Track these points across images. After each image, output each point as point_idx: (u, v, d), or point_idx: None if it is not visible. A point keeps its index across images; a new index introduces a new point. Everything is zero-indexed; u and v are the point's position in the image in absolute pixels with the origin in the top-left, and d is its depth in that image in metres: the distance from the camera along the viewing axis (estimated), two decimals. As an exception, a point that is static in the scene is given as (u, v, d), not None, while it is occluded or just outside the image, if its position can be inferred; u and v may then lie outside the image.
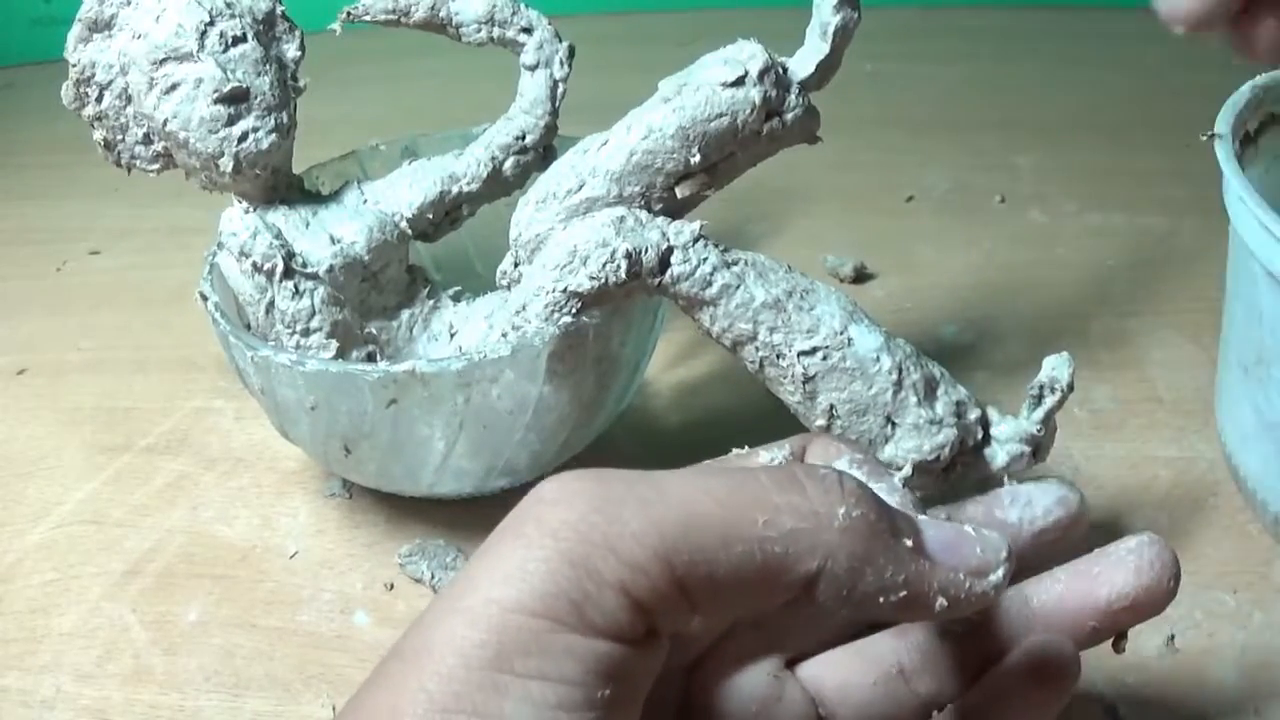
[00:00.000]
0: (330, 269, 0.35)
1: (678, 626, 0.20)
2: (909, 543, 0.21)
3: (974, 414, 0.32)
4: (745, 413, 0.42)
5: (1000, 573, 0.21)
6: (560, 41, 0.39)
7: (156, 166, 0.37)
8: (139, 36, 0.34)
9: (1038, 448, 0.32)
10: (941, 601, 0.21)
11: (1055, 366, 0.32)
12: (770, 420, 0.36)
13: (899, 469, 0.31)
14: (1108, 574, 0.24)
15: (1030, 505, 0.28)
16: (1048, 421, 0.32)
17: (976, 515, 0.28)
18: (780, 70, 0.32)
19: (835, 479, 0.21)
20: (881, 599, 0.20)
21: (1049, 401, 0.31)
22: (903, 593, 0.20)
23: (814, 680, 0.26)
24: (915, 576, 0.20)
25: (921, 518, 0.22)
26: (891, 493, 0.23)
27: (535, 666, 0.18)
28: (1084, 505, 0.28)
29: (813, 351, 0.31)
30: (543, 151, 0.40)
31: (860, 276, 0.51)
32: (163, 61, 0.34)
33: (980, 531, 0.22)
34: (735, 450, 0.26)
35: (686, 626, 0.21)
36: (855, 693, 0.25)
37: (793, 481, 0.20)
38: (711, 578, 0.19)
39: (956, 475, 0.33)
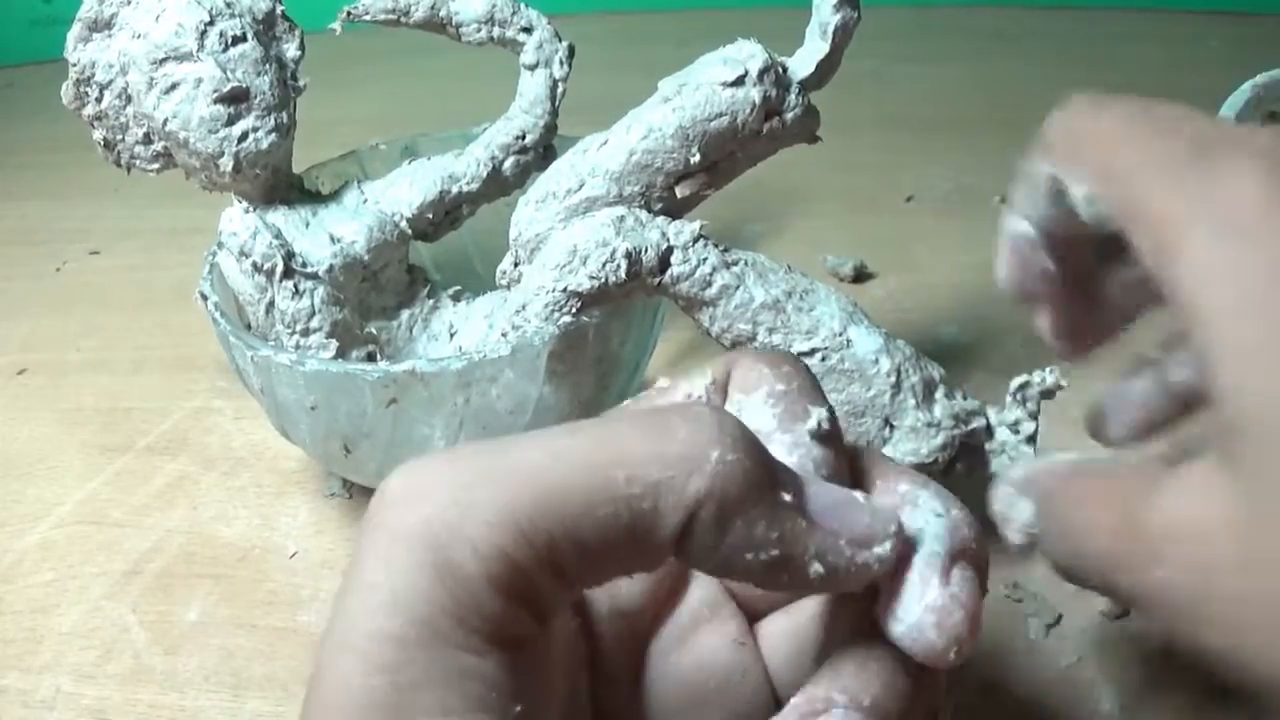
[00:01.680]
0: (330, 269, 0.35)
1: (562, 603, 0.19)
2: (788, 497, 0.19)
3: (976, 421, 0.32)
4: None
5: (887, 546, 0.19)
6: (560, 41, 0.39)
7: (156, 166, 0.37)
8: (139, 36, 0.34)
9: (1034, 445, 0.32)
10: (817, 568, 0.19)
11: (1043, 377, 0.32)
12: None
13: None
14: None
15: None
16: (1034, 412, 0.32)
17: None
18: (780, 70, 0.32)
19: (712, 419, 0.18)
20: (750, 555, 0.18)
21: (1033, 400, 0.32)
22: (774, 551, 0.18)
23: (768, 645, 0.24)
24: (790, 535, 0.18)
25: (810, 477, 0.20)
26: (794, 448, 0.21)
27: (438, 701, 0.17)
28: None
29: (811, 353, 0.31)
30: (542, 151, 0.40)
31: (860, 276, 0.51)
32: (163, 61, 0.34)
33: (872, 501, 0.20)
34: (659, 383, 0.24)
35: (569, 600, 0.19)
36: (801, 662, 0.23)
37: (662, 427, 0.18)
38: (580, 547, 0.18)
39: (955, 476, 0.33)
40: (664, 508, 0.18)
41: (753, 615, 0.24)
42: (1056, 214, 0.23)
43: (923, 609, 0.19)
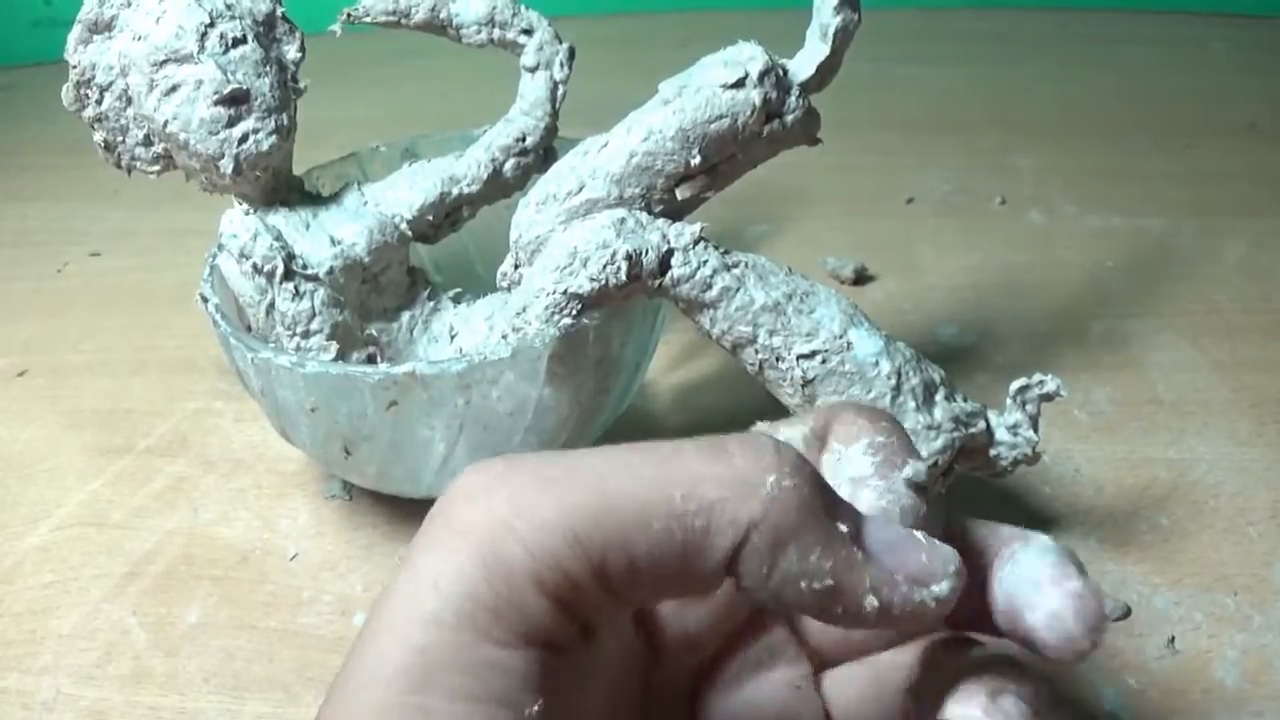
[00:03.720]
0: (330, 271, 0.35)
1: (608, 619, 0.19)
2: (844, 528, 0.19)
3: (976, 424, 0.32)
4: (745, 415, 0.42)
5: (945, 586, 0.19)
6: (560, 43, 0.39)
7: (157, 168, 0.37)
8: (139, 38, 0.34)
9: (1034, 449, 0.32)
10: (872, 601, 0.19)
11: (1042, 381, 0.32)
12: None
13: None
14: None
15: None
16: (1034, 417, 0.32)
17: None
18: (780, 72, 0.32)
19: (771, 446, 0.19)
20: (803, 583, 0.18)
21: (1033, 402, 0.32)
22: (828, 581, 0.18)
23: (832, 695, 0.24)
24: (844, 565, 0.18)
25: (869, 514, 0.20)
26: (886, 493, 0.21)
27: (460, 686, 0.17)
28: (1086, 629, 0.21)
29: (812, 355, 0.31)
30: (543, 153, 0.40)
31: (861, 278, 0.51)
32: (163, 63, 0.34)
33: (931, 540, 0.20)
34: (759, 424, 0.24)
35: (613, 615, 0.19)
36: (861, 710, 0.24)
37: (720, 451, 0.19)
38: (630, 561, 0.18)
39: (954, 478, 0.33)
40: (717, 529, 0.18)
41: (822, 663, 0.24)
42: None
43: (1062, 594, 0.20)
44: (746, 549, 0.18)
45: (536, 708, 0.18)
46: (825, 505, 0.19)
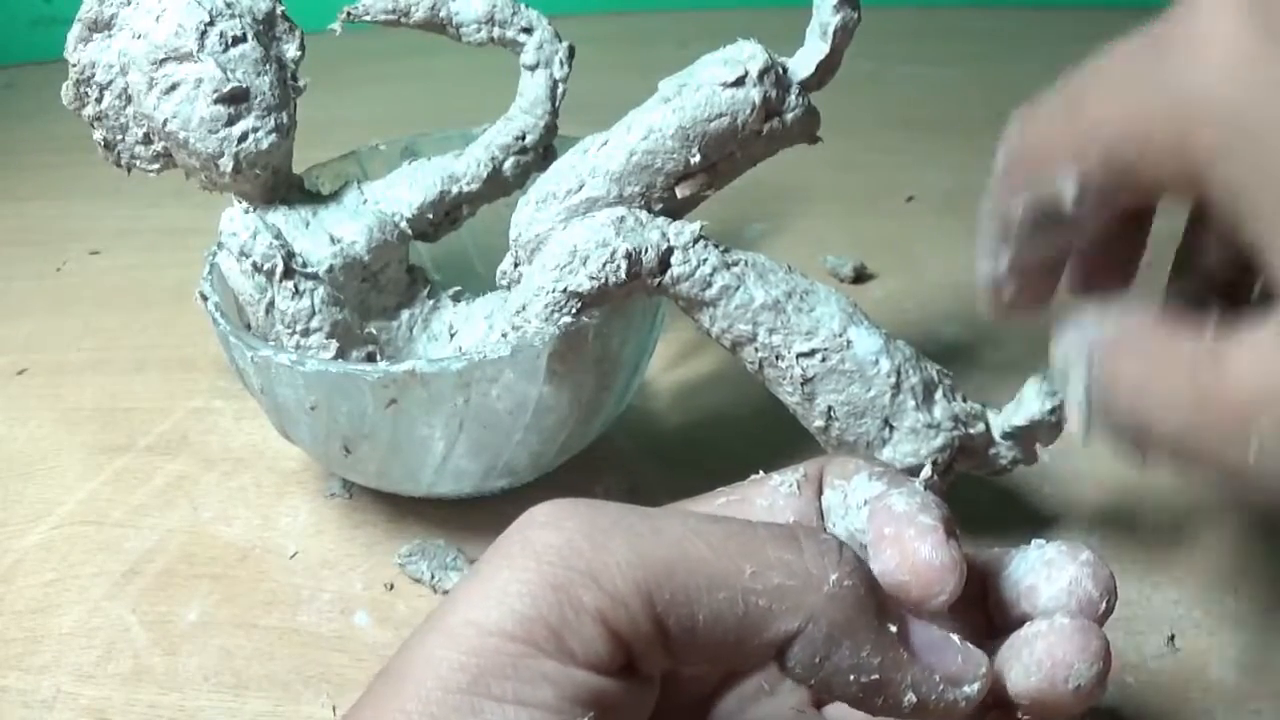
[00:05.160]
0: (330, 269, 0.35)
1: (656, 668, 0.20)
2: (893, 629, 0.20)
3: (976, 423, 0.32)
4: (745, 413, 0.42)
5: (975, 688, 0.21)
6: (560, 41, 0.39)
7: (156, 166, 0.37)
8: (139, 36, 0.34)
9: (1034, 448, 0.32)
10: (911, 698, 0.20)
11: (1040, 391, 0.32)
12: (770, 421, 0.36)
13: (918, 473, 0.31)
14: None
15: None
16: (1037, 429, 0.32)
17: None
18: (780, 70, 0.32)
19: (835, 545, 0.20)
20: (853, 676, 0.20)
21: (1043, 407, 0.31)
22: (875, 676, 0.20)
23: (832, 717, 0.25)
24: (891, 662, 0.20)
25: (913, 619, 0.21)
26: (913, 495, 0.23)
27: (512, 691, 0.18)
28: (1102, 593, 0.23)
29: (811, 353, 0.31)
30: (542, 151, 0.40)
31: (860, 277, 0.51)
32: (163, 61, 0.34)
33: (965, 644, 0.21)
34: (752, 477, 0.25)
35: (663, 669, 0.20)
36: None
37: (790, 539, 0.20)
38: (692, 621, 0.19)
39: (955, 476, 0.33)
40: (779, 613, 0.19)
41: (819, 700, 0.25)
42: (1033, 242, 0.23)
43: (1077, 564, 0.23)
44: (802, 638, 0.19)
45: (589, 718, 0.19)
46: (877, 605, 0.20)
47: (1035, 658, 0.22)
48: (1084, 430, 0.23)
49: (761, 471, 0.26)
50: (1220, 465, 0.20)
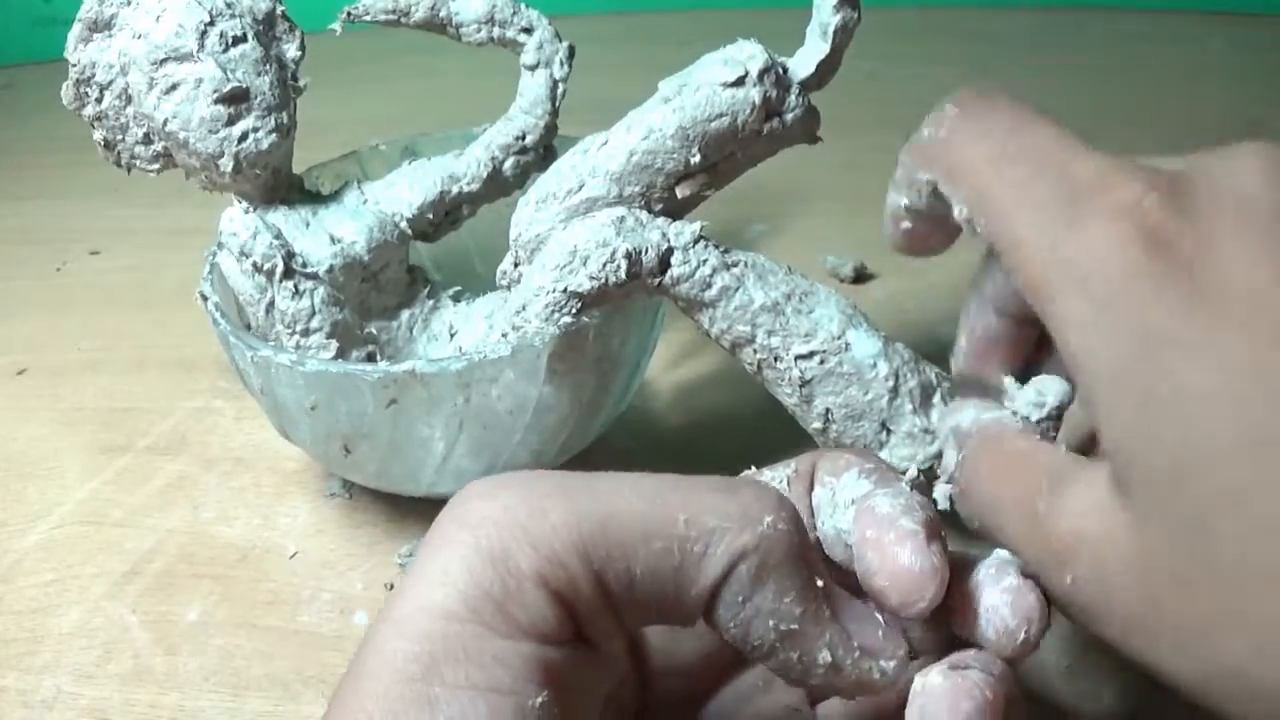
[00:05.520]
0: (330, 269, 0.35)
1: (605, 633, 0.20)
2: (819, 583, 0.20)
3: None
4: (745, 413, 0.42)
5: (892, 665, 0.21)
6: (560, 41, 0.39)
7: (156, 166, 0.37)
8: (139, 36, 0.34)
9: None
10: (825, 656, 0.20)
11: (1044, 387, 0.31)
12: (770, 421, 0.36)
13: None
14: None
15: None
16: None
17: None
18: (780, 70, 0.32)
19: (774, 492, 0.20)
20: (773, 622, 0.20)
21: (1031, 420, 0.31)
22: (793, 625, 0.20)
23: (824, 713, 0.25)
24: (812, 615, 0.20)
25: (842, 592, 0.21)
26: (898, 496, 0.22)
27: (464, 675, 0.18)
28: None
29: (810, 355, 0.31)
30: (543, 152, 0.40)
31: (860, 277, 0.51)
32: (163, 61, 0.34)
33: (890, 625, 0.21)
34: (744, 473, 0.25)
35: (613, 633, 0.20)
36: None
37: (727, 486, 0.20)
38: (629, 575, 0.19)
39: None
40: (711, 555, 0.19)
41: (815, 698, 0.25)
42: (933, 204, 0.24)
43: (999, 592, 0.21)
44: (732, 576, 0.19)
45: (540, 699, 0.18)
46: (809, 556, 0.20)
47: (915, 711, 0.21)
48: (947, 506, 0.24)
49: (754, 468, 0.25)
50: (1044, 581, 0.21)
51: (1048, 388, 0.31)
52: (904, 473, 0.31)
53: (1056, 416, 0.30)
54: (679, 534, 0.19)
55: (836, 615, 0.21)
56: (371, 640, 0.19)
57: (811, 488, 0.25)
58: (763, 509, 0.20)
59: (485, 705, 0.18)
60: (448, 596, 0.18)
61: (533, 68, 0.39)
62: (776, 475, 0.24)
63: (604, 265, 0.31)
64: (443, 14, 0.38)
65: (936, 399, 0.32)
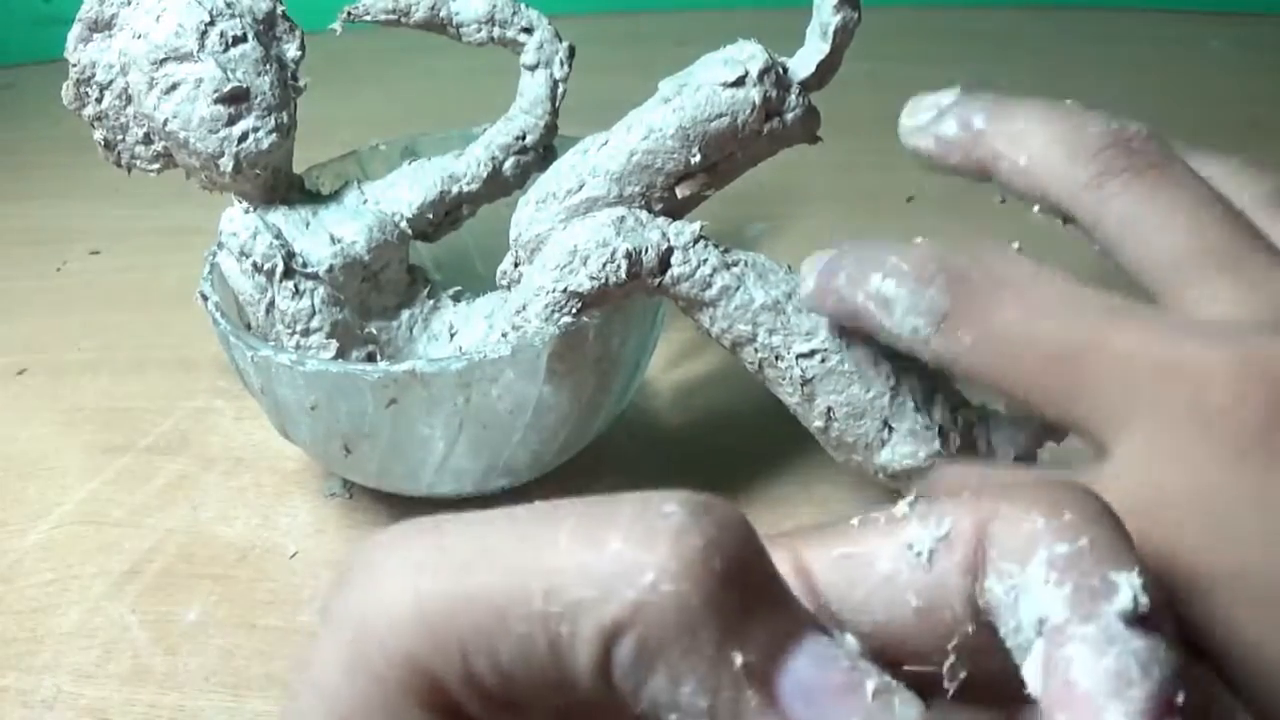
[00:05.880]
0: (330, 269, 0.35)
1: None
2: (740, 660, 0.14)
3: (976, 425, 0.32)
4: (745, 413, 0.42)
5: None
6: (560, 41, 0.39)
7: (156, 166, 0.37)
8: (139, 36, 0.34)
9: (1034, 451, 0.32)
10: None
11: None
12: (770, 421, 0.36)
13: (891, 471, 0.31)
14: None
15: None
16: (1039, 436, 0.32)
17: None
18: (780, 70, 0.32)
19: (670, 526, 0.14)
20: (674, 717, 0.14)
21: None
22: (702, 703, 0.14)
23: None
24: (726, 709, 0.14)
25: (817, 640, 0.15)
26: (1106, 646, 0.14)
27: None
28: None
29: (811, 354, 0.31)
30: (543, 151, 0.40)
31: (860, 277, 0.51)
32: (163, 61, 0.34)
33: (888, 704, 0.14)
34: (880, 514, 0.17)
35: None
36: None
37: (599, 531, 0.14)
38: (496, 667, 0.14)
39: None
40: (581, 634, 0.14)
41: None
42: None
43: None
44: (611, 661, 0.14)
45: None
46: (722, 620, 0.14)
47: None
48: None
49: (902, 503, 0.17)
50: None
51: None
52: (922, 474, 0.30)
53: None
54: (538, 614, 0.14)
55: (783, 702, 0.14)
56: None
57: (974, 565, 0.16)
58: (643, 564, 0.14)
59: None
60: (323, 714, 0.16)
61: (533, 68, 0.39)
62: (919, 542, 0.16)
63: (604, 265, 0.31)
64: (443, 14, 0.38)
65: (939, 396, 0.32)
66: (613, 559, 0.14)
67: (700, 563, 0.14)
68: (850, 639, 0.15)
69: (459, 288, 0.40)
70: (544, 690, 0.15)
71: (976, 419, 0.32)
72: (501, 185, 0.40)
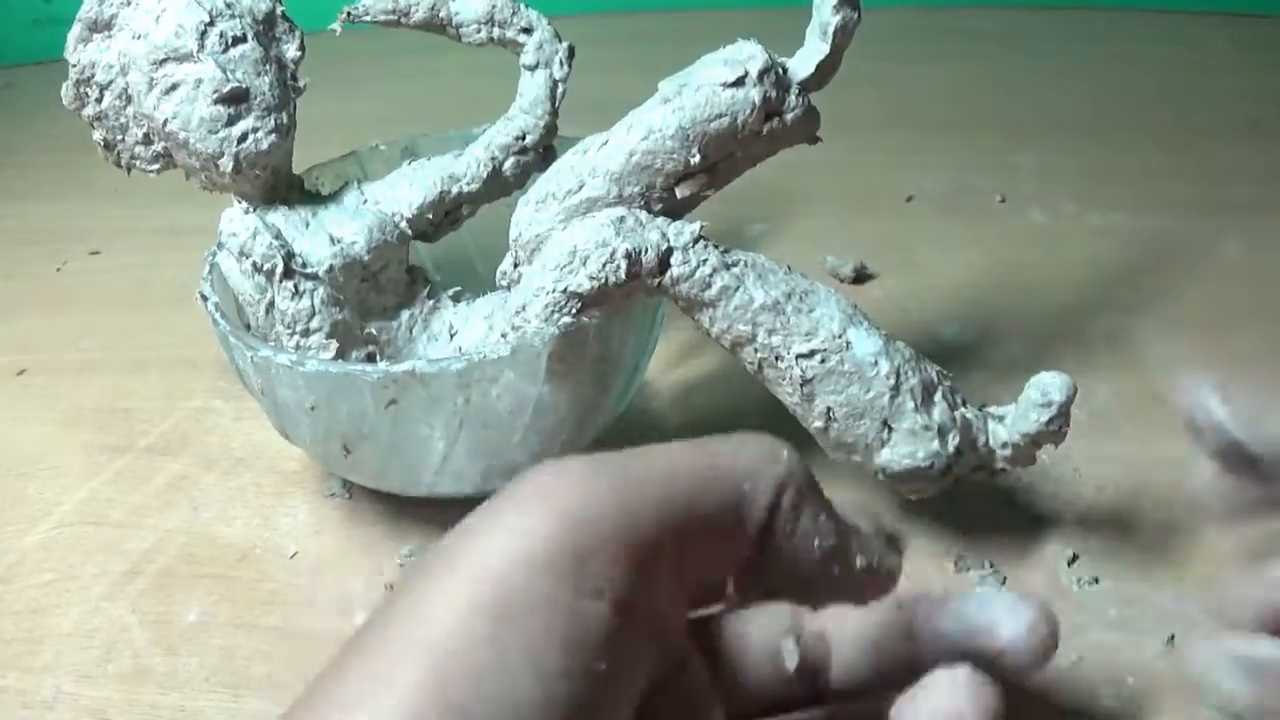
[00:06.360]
0: (330, 269, 0.35)
1: (667, 600, 0.21)
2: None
3: (975, 424, 0.32)
4: (745, 413, 0.42)
5: (899, 560, 0.24)
6: (560, 41, 0.39)
7: (156, 167, 0.37)
8: (139, 37, 0.34)
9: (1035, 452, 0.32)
10: (861, 560, 0.23)
11: (1048, 387, 0.31)
12: (770, 421, 0.36)
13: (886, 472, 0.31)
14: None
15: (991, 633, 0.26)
16: (1039, 439, 0.32)
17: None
18: (780, 70, 0.32)
19: (767, 436, 0.22)
20: (816, 540, 0.22)
21: (1040, 420, 0.31)
22: (832, 540, 0.22)
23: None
24: (841, 528, 0.23)
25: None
26: None
27: (535, 625, 0.18)
28: (1053, 636, 0.25)
29: (811, 354, 0.31)
30: (542, 152, 0.40)
31: (860, 277, 0.51)
32: (163, 62, 0.34)
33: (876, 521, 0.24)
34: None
35: (676, 604, 0.21)
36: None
37: (733, 440, 0.22)
38: (701, 521, 0.21)
39: (952, 478, 0.33)
40: (758, 489, 0.21)
41: (738, 716, 0.25)
42: None
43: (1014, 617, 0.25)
44: (781, 511, 0.22)
45: (602, 666, 0.18)
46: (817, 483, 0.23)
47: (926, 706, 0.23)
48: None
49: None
50: None
51: (1049, 384, 0.31)
52: (920, 477, 0.31)
53: (1065, 413, 0.30)
54: (725, 480, 0.21)
55: (856, 526, 0.23)
56: (419, 594, 0.18)
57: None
58: (774, 447, 0.22)
59: (551, 658, 0.18)
60: (526, 550, 0.18)
61: (533, 68, 0.39)
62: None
63: (604, 265, 0.31)
64: (443, 14, 0.38)
65: (938, 397, 0.32)
66: (763, 445, 0.22)
67: (794, 450, 0.22)
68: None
69: (459, 288, 0.40)
70: (715, 543, 0.21)
71: (976, 419, 0.32)
72: (501, 185, 0.40)
